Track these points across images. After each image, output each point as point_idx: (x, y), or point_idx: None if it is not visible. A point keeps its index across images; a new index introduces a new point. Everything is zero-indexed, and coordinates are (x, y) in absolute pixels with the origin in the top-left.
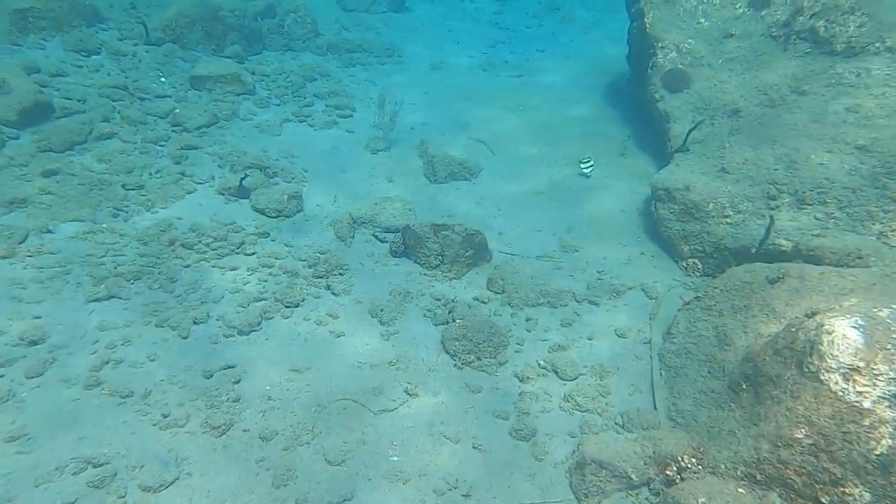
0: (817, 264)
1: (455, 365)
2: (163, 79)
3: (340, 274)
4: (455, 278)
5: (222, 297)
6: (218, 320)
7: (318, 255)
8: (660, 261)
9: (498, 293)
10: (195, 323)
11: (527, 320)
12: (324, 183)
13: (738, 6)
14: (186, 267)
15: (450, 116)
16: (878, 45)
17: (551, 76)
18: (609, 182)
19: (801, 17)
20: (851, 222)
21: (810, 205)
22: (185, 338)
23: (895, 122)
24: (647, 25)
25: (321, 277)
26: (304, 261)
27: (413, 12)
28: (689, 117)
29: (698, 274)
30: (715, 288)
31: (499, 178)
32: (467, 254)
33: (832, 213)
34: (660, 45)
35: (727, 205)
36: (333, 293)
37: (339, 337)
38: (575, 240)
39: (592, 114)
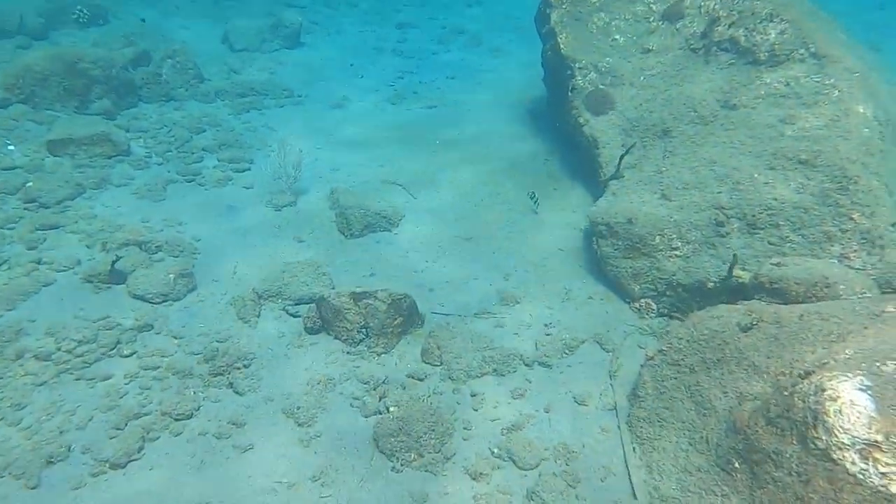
0: (783, 299)
1: (393, 468)
2: (10, 146)
3: (245, 366)
4: (384, 353)
5: (89, 419)
6: (83, 454)
7: (217, 344)
8: (610, 304)
9: (435, 365)
10: (50, 463)
11: (472, 396)
12: (220, 252)
13: (651, 20)
14: (40, 385)
15: (361, 159)
16: (802, 51)
17: (466, 105)
18: (542, 217)
19: (718, 28)
20: (809, 245)
21: (762, 228)
22: (33, 488)
23: (835, 133)
24: (561, 46)
25: (221, 374)
26: (199, 354)
27: (309, 48)
28: (618, 141)
29: (653, 315)
30: (680, 339)
31: (423, 225)
32: (395, 322)
33: (787, 237)
34: (577, 65)
35: (674, 236)
36: (237, 392)
37: (245, 451)
38: (515, 289)
39: (515, 143)
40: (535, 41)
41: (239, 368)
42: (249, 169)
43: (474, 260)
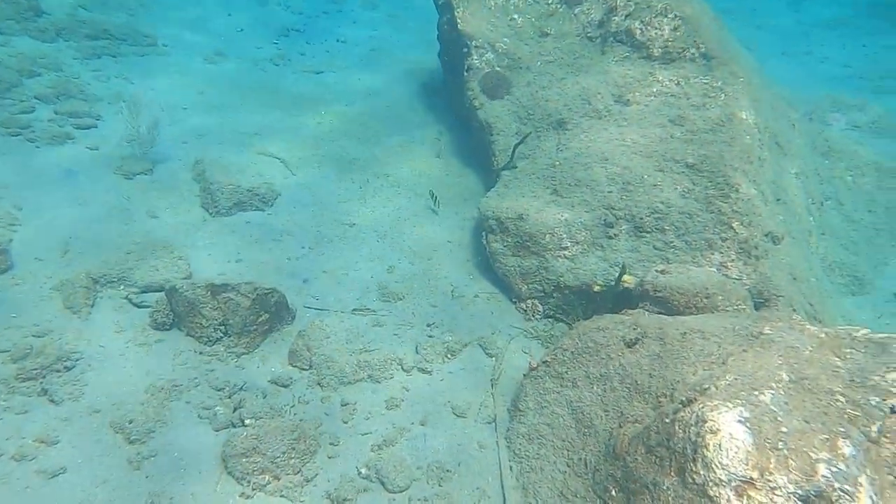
0: (666, 308)
1: (242, 493)
2: None
3: (66, 368)
4: (245, 353)
5: None
6: None
7: (31, 340)
8: (496, 303)
9: (304, 369)
10: None
11: (342, 405)
12: (48, 226)
13: (550, 2)
14: None
15: (234, 125)
16: (692, 50)
17: (356, 73)
18: (431, 204)
19: (615, 18)
20: (691, 252)
21: (649, 232)
22: None
23: (720, 138)
24: (459, 21)
25: (33, 379)
26: (7, 352)
27: None
28: (513, 128)
29: (538, 317)
30: (565, 350)
31: (301, 206)
32: (260, 319)
33: (671, 242)
34: (474, 44)
35: (564, 235)
36: (52, 401)
37: (53, 477)
38: (398, 283)
39: (405, 120)
40: (431, 8)
41: (58, 371)
42: (96, 126)
43: (356, 248)
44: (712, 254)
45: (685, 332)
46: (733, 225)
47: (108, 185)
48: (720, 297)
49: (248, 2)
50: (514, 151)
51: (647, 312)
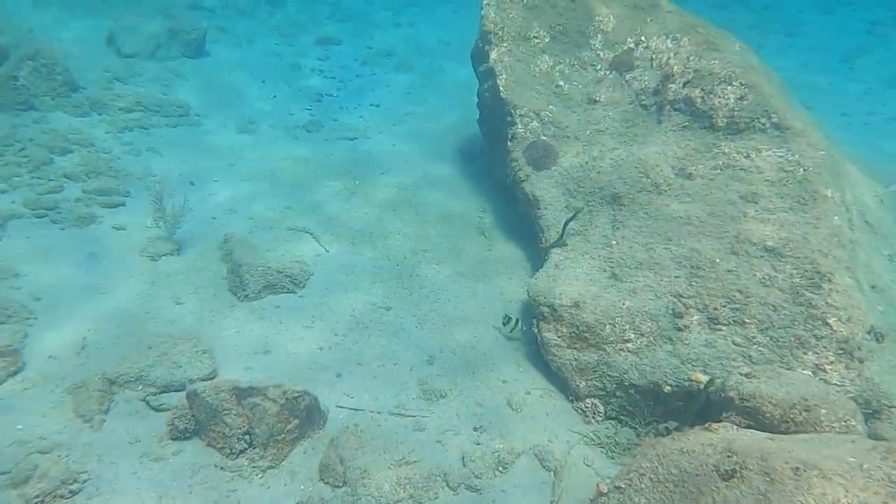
0: (756, 421)
1: None
2: None
3: (72, 493)
4: (271, 467)
5: None
6: None
7: (36, 457)
8: (551, 401)
9: (337, 486)
10: None
11: None
12: (67, 318)
13: (598, 68)
14: None
15: (264, 198)
16: (763, 120)
17: (391, 138)
18: (474, 284)
19: (672, 85)
20: (779, 350)
21: (725, 325)
22: None
23: (803, 219)
24: (501, 89)
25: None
26: (7, 474)
27: (214, 58)
28: (561, 202)
29: (600, 419)
30: (642, 476)
31: (335, 288)
32: (289, 427)
33: (753, 338)
34: (518, 112)
35: (627, 326)
36: None
37: None
38: (440, 377)
39: (445, 190)
40: (467, 71)
41: (63, 497)
42: (124, 204)
43: (394, 335)
44: (805, 353)
45: (798, 468)
46: (829, 321)
47: (132, 268)
48: (823, 411)
49: (283, 69)
50: (564, 228)
51: (735, 427)
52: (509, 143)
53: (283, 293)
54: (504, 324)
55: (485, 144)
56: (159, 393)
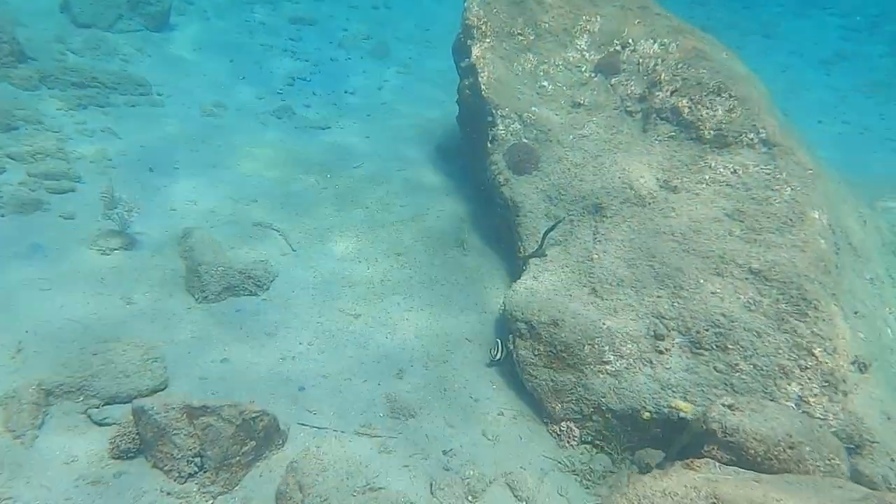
0: (737, 456)
1: None
2: None
3: None
4: (223, 492)
5: None
6: None
7: None
8: (525, 424)
9: None
10: None
11: None
12: (4, 317)
13: (584, 69)
14: None
15: (228, 188)
16: (751, 135)
17: (364, 129)
18: (449, 291)
19: (659, 93)
20: (762, 379)
21: (707, 350)
22: None
23: (790, 241)
24: (483, 87)
25: None
26: None
27: (179, 31)
28: (542, 208)
29: (574, 443)
30: None
31: (301, 290)
32: (244, 449)
33: (736, 365)
34: (499, 112)
35: (606, 347)
36: None
37: None
38: (410, 394)
39: (423, 189)
40: (446, 61)
41: None
42: (74, 190)
43: (362, 345)
44: (789, 384)
45: None
46: (814, 351)
47: (80, 262)
48: (807, 449)
49: (253, 48)
50: (544, 238)
51: (717, 465)
52: (489, 145)
53: (244, 295)
54: (493, 353)
55: (463, 142)
56: (103, 405)
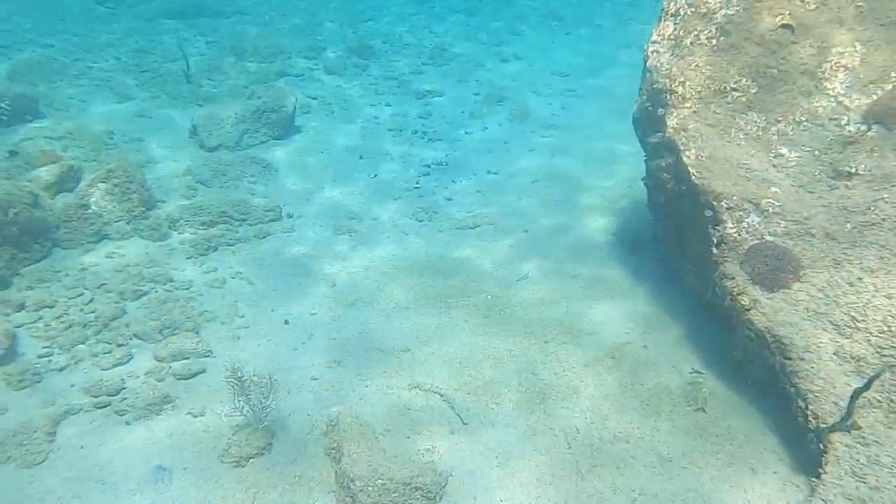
0: None
1: None
2: None
3: None
4: None
5: None
6: None
7: None
8: None
9: None
10: None
11: None
12: None
13: (844, 122)
14: None
15: (376, 338)
16: None
17: (520, 222)
18: (696, 483)
19: None
20: None
21: None
22: None
23: None
24: (692, 171)
25: None
26: None
27: (306, 135)
28: (826, 346)
29: None
30: None
31: (483, 490)
32: None
33: None
34: (724, 203)
35: None
36: None
37: None
38: None
39: (608, 300)
40: (604, 116)
41: None
42: (204, 371)
43: None
44: None
45: None
46: None
47: (209, 487)
48: None
49: (382, 134)
50: (853, 401)
51: None
52: (715, 251)
53: None
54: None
55: (660, 231)
56: None
